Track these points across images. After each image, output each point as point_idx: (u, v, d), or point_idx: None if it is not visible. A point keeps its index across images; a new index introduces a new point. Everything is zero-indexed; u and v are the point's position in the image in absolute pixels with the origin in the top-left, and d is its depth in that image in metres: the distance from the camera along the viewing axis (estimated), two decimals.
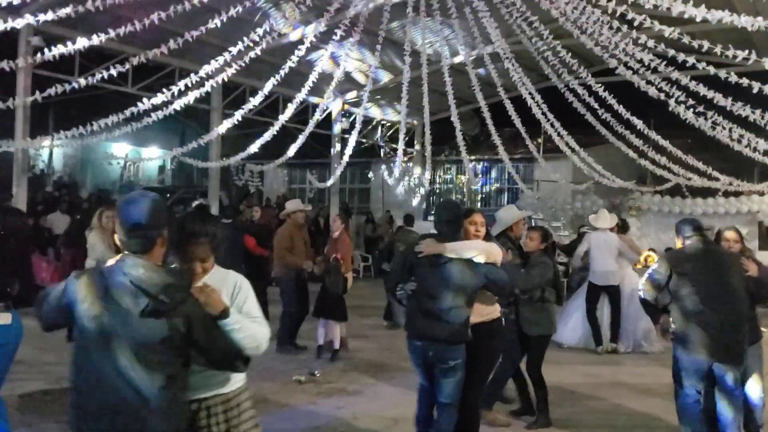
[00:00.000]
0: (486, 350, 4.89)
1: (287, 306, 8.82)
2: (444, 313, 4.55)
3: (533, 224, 16.58)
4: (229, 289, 2.99)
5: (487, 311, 4.95)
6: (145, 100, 9.97)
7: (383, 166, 22.35)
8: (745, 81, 8.71)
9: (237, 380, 3.09)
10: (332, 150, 20.19)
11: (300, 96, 11.91)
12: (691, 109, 11.26)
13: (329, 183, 18.72)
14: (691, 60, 9.09)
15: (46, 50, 9.00)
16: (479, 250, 4.65)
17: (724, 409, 4.99)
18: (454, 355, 4.57)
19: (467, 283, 4.60)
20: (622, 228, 10.19)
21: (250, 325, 2.85)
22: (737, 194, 16.84)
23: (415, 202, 20.28)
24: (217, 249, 3.05)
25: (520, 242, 6.57)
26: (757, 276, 5.23)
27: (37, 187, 18.65)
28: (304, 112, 17.19)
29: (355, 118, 15.99)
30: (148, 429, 2.51)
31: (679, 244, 5.34)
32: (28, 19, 8.86)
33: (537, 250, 6.23)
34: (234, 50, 9.55)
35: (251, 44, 9.64)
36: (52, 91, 9.33)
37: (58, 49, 8.99)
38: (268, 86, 11.04)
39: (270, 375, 7.43)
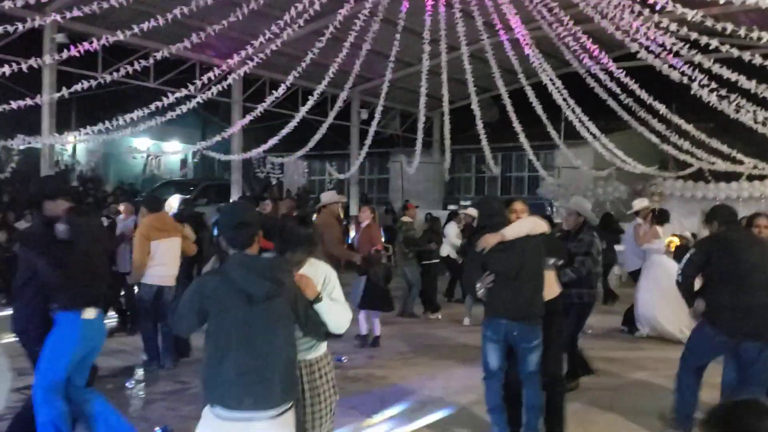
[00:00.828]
0: (555, 326, 5.20)
1: None
2: (525, 289, 4.89)
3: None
4: (320, 279, 3.48)
5: (551, 289, 5.26)
6: (169, 94, 10.09)
7: (402, 156, 22.37)
8: None
9: (320, 349, 3.56)
10: (351, 141, 20.26)
11: (320, 88, 11.99)
12: (715, 93, 11.16)
13: (349, 174, 18.83)
14: (714, 43, 9.02)
15: (71, 47, 9.15)
16: (530, 226, 5.03)
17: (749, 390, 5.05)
18: (536, 334, 4.91)
19: (534, 255, 4.96)
20: (658, 217, 10.06)
21: (337, 309, 3.45)
22: (762, 178, 16.66)
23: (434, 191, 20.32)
24: (313, 252, 3.54)
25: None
26: None
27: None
28: (323, 103, 17.26)
29: (374, 109, 16.03)
30: (282, 395, 3.09)
31: (711, 229, 5.40)
32: (54, 16, 9.02)
33: None
34: (256, 43, 9.63)
35: (272, 36, 9.72)
36: (78, 86, 9.48)
37: (84, 46, 9.15)
38: (290, 78, 11.10)
39: None
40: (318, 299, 3.35)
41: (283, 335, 3.14)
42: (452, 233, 11.56)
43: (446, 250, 11.40)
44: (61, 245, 4.34)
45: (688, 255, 5.38)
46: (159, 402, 6.13)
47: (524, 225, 5.01)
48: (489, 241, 4.89)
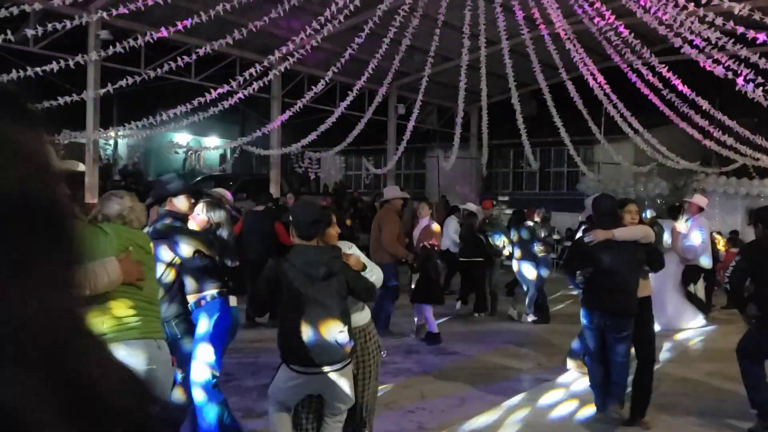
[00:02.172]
0: (647, 315, 5.64)
1: (390, 292, 8.84)
2: (622, 288, 5.29)
3: None
4: (356, 253, 4.44)
5: (645, 290, 5.66)
6: (210, 90, 10.24)
7: (439, 152, 22.32)
8: None
9: (366, 316, 4.51)
10: (388, 136, 20.28)
11: (359, 84, 12.05)
12: (760, 88, 10.91)
13: (386, 169, 18.86)
14: (761, 37, 8.82)
15: (117, 43, 9.35)
16: (641, 233, 5.46)
17: None
18: (628, 326, 5.36)
19: (636, 260, 5.41)
20: (668, 212, 9.98)
21: (376, 269, 4.45)
22: None
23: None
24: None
25: None
26: None
27: (105, 176, 19.30)
28: (360, 98, 17.33)
29: (411, 104, 16.04)
30: (343, 357, 3.87)
31: (756, 233, 5.46)
32: (100, 13, 9.23)
33: None
34: (297, 39, 9.71)
35: (312, 32, 9.80)
36: (123, 82, 9.68)
37: (128, 42, 9.35)
38: (329, 74, 11.17)
39: None
40: (364, 269, 4.25)
41: (339, 306, 3.91)
42: (451, 228, 11.52)
43: (446, 243, 11.23)
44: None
45: (732, 263, 5.38)
46: None
47: (636, 231, 5.45)
48: (598, 235, 5.33)
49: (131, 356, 3.28)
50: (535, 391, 6.57)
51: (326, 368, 3.81)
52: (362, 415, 4.42)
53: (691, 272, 9.65)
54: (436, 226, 9.15)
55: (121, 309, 3.41)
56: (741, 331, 5.85)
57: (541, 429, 5.56)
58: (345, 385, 3.92)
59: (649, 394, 5.59)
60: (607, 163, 18.85)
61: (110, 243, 3.45)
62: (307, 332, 3.79)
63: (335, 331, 3.83)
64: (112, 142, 23.32)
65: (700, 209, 9.72)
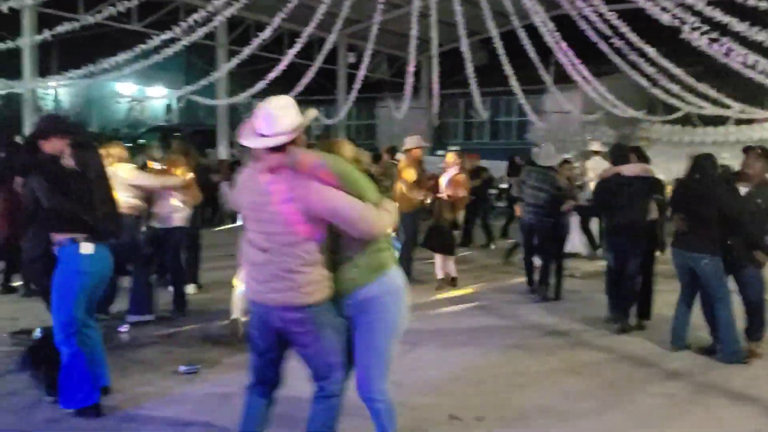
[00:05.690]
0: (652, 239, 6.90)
1: (410, 239, 8.83)
2: (632, 215, 6.52)
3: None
4: None
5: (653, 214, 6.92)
6: (153, 36, 9.87)
7: (390, 102, 22.16)
8: (763, 4, 8.54)
9: None
10: (338, 85, 20.01)
11: (308, 31, 11.78)
12: (705, 36, 11.09)
13: (337, 119, 18.66)
14: None
15: None
16: (641, 169, 6.67)
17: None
18: (640, 246, 6.60)
19: (641, 190, 6.59)
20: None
21: None
22: (749, 122, 16.72)
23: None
24: None
25: None
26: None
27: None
28: (309, 47, 16.96)
29: (361, 53, 15.79)
30: None
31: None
32: None
33: None
34: None
35: None
36: (61, 29, 9.25)
37: None
38: (276, 21, 10.88)
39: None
40: None
41: None
42: None
43: None
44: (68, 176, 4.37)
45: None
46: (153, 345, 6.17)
47: (638, 167, 6.69)
48: (608, 171, 6.76)
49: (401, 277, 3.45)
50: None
51: None
52: None
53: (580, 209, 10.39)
54: (461, 176, 9.19)
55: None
56: None
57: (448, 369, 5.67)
58: None
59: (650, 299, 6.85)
60: (556, 111, 19.02)
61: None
62: None
63: None
64: (51, 91, 22.40)
65: None
